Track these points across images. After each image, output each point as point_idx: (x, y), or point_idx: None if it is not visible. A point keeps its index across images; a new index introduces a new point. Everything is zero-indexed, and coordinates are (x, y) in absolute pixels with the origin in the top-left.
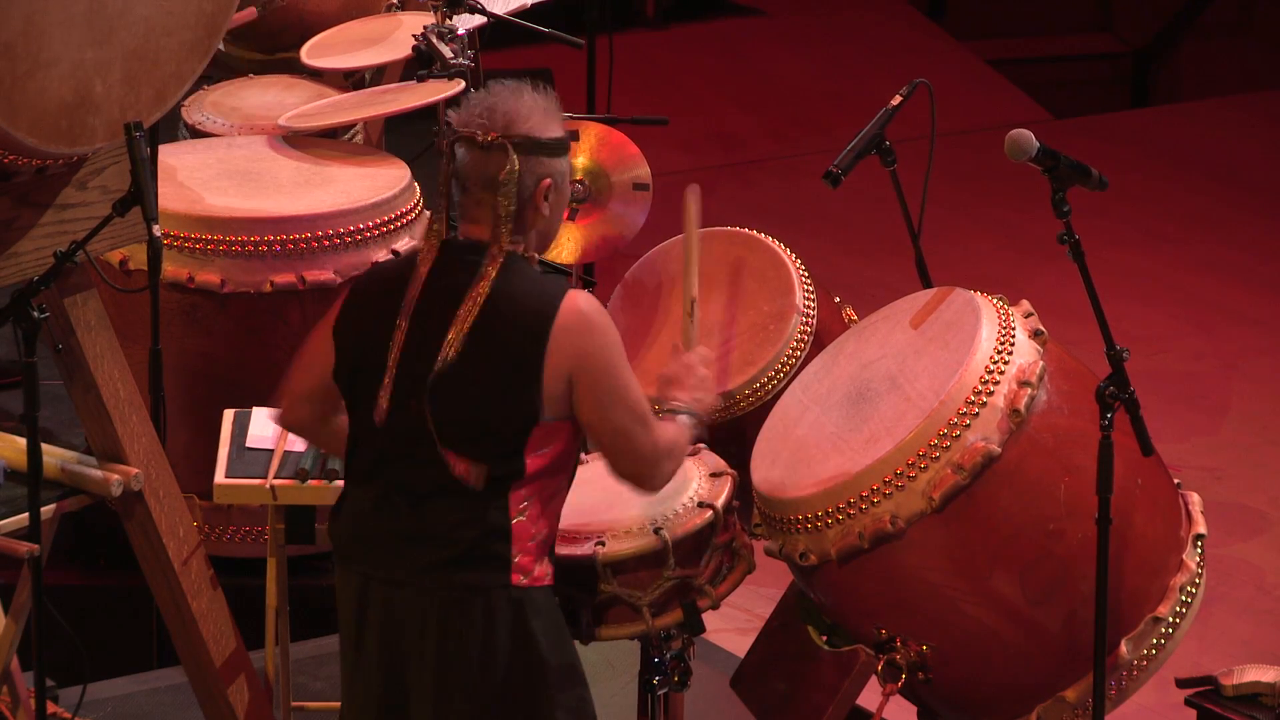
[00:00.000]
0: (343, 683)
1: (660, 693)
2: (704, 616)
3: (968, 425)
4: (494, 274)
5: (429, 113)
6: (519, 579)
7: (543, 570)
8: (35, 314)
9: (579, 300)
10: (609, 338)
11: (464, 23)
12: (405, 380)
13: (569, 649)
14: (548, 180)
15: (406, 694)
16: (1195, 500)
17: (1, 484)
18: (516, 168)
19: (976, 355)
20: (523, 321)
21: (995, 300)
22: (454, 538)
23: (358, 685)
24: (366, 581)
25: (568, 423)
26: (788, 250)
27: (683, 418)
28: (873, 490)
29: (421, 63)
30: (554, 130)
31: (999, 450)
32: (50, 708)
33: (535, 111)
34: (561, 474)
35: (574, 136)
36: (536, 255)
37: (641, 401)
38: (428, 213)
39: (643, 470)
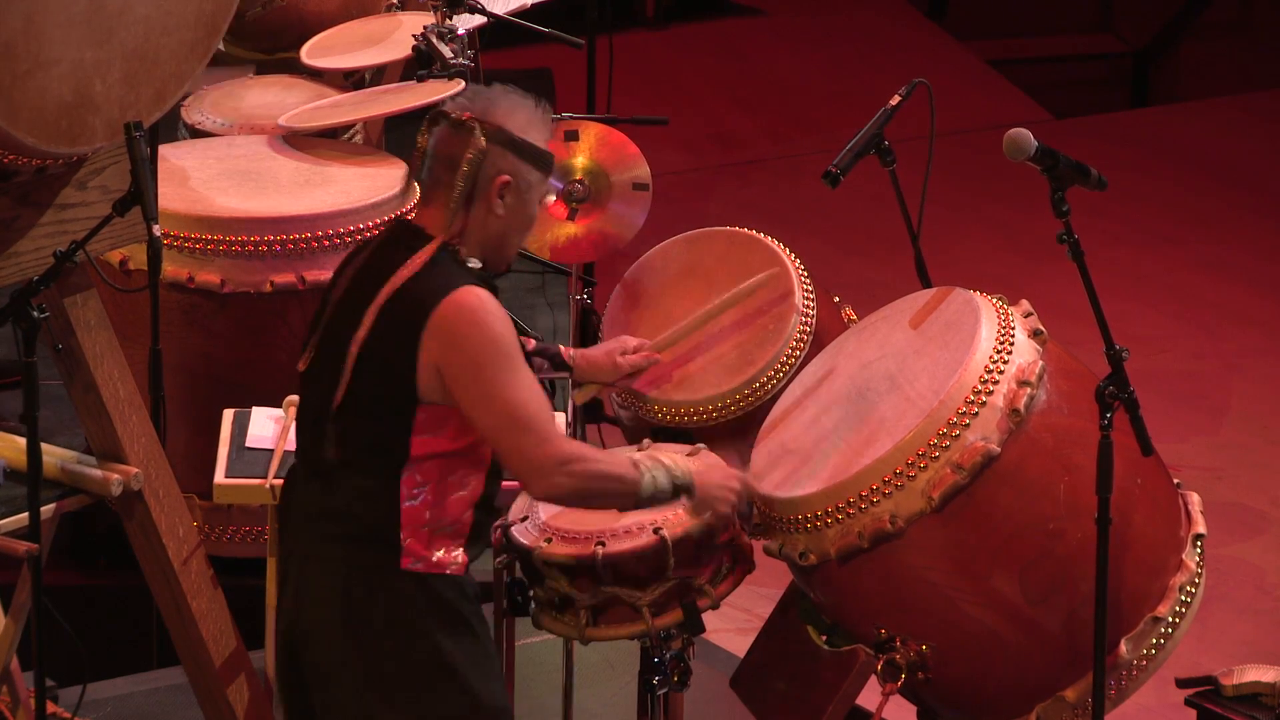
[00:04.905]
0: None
1: (660, 693)
2: (704, 616)
3: (967, 425)
4: (420, 264)
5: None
6: (409, 563)
7: (445, 557)
8: (35, 314)
9: (466, 295)
10: (484, 335)
11: (464, 23)
12: (324, 351)
13: (465, 640)
14: (506, 177)
15: (304, 663)
16: (1195, 500)
17: (1, 484)
18: (482, 147)
19: (976, 355)
20: (413, 309)
21: (995, 300)
22: (349, 513)
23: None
24: (289, 554)
25: (458, 410)
26: (788, 250)
27: (659, 475)
28: (872, 490)
29: (421, 63)
30: (533, 136)
31: (998, 450)
32: (50, 708)
33: (520, 112)
34: (464, 462)
35: (574, 136)
36: (472, 258)
37: (520, 405)
38: None
39: (522, 475)
